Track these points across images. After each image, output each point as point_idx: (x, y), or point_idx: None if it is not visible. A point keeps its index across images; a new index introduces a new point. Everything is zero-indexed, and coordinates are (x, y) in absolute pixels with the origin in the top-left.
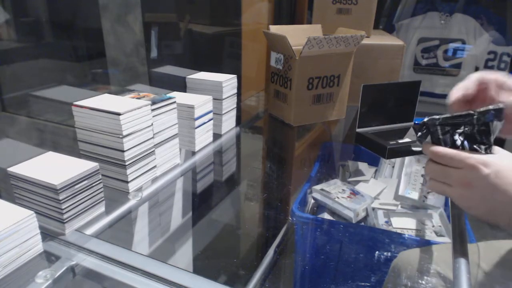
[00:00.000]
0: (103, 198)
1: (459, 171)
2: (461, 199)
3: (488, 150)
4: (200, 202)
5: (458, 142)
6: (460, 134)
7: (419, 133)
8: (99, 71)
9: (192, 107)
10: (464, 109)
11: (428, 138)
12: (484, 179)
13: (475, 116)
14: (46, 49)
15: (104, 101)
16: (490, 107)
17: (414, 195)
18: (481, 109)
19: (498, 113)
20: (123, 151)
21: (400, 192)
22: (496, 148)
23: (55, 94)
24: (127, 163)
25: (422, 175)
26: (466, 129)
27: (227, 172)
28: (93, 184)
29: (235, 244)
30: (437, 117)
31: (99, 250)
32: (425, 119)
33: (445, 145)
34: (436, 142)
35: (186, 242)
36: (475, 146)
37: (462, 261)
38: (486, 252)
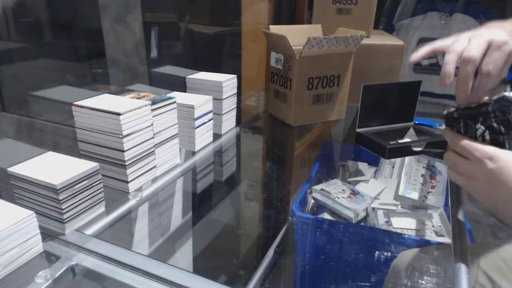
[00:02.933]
0: (103, 198)
1: (466, 162)
2: (468, 189)
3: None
4: (200, 202)
5: (479, 132)
6: (481, 123)
7: (445, 121)
8: (99, 71)
9: (192, 107)
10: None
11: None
12: (487, 174)
13: (489, 105)
14: (46, 49)
15: (104, 101)
16: (505, 93)
17: (414, 195)
18: (495, 97)
19: None
20: (123, 151)
21: (400, 192)
22: None
23: (55, 94)
24: (127, 163)
25: (422, 175)
26: (485, 121)
27: (227, 172)
28: (93, 184)
29: (235, 244)
30: (452, 109)
31: (99, 250)
32: (444, 112)
33: (466, 134)
34: (459, 131)
35: (186, 242)
36: (498, 138)
37: (462, 261)
38: (486, 252)
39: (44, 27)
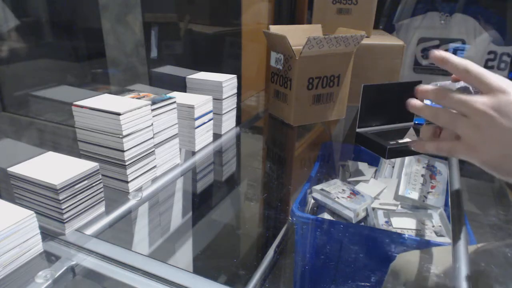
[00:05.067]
0: (103, 198)
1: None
2: (469, 149)
3: None
4: (200, 202)
5: None
6: None
7: None
8: (99, 71)
9: (192, 107)
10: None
11: None
12: (493, 122)
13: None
14: (46, 49)
15: (104, 101)
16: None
17: (414, 195)
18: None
19: None
20: (123, 151)
21: (400, 192)
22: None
23: (55, 94)
24: (127, 163)
25: (422, 175)
26: None
27: (227, 172)
28: (93, 184)
29: (235, 244)
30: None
31: (99, 250)
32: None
33: None
34: None
35: (186, 242)
36: None
37: (462, 262)
38: (486, 252)
39: (44, 27)
